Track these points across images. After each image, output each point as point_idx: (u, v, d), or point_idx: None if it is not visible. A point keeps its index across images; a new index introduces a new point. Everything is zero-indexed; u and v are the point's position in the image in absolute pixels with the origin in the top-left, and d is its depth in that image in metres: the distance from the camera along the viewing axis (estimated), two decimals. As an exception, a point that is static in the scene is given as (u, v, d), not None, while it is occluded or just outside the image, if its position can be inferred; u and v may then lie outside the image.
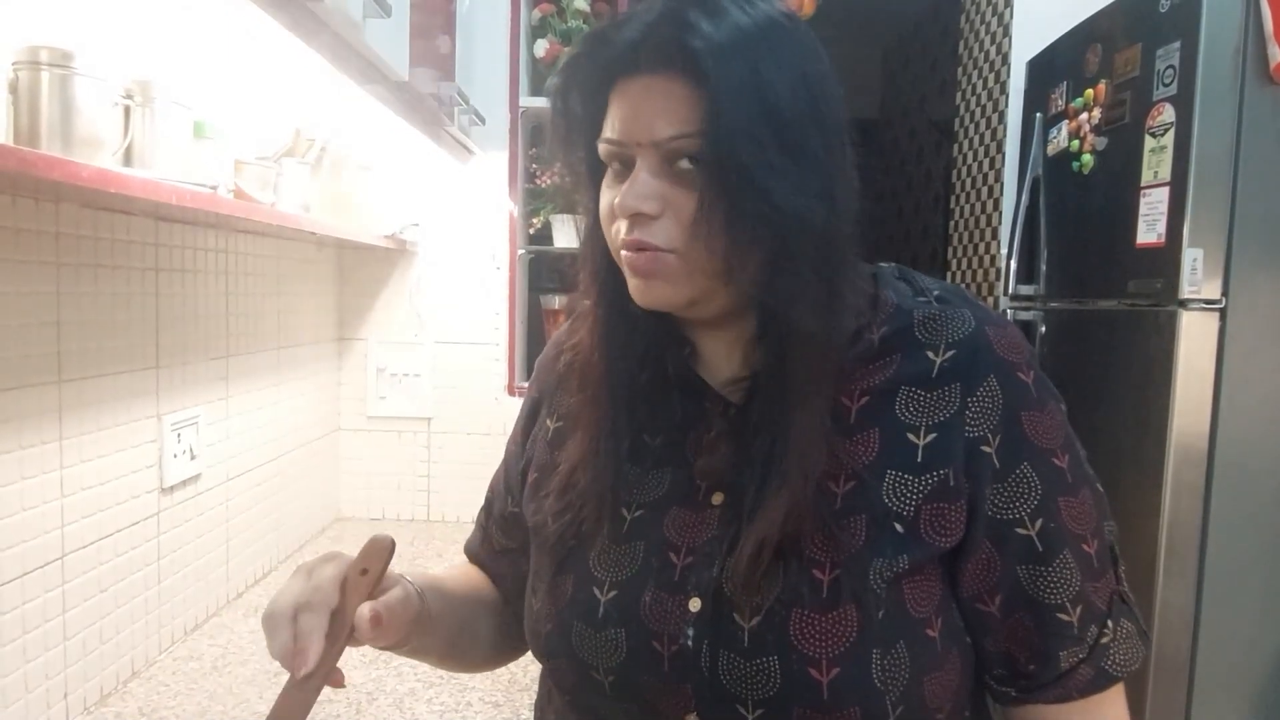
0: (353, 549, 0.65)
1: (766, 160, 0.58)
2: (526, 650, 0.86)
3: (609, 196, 0.64)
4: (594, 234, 0.68)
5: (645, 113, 0.60)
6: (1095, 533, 0.64)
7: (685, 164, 0.60)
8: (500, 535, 0.83)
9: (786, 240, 0.59)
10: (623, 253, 0.63)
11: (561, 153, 0.69)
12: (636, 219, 0.61)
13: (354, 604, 0.61)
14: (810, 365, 0.61)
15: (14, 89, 0.90)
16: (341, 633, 0.60)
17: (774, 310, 0.61)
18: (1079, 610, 0.62)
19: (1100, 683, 0.64)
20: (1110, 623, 0.64)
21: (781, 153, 0.58)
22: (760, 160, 0.58)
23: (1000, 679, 0.66)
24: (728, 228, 0.59)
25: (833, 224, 0.61)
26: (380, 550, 0.63)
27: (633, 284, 0.64)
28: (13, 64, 0.90)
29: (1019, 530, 0.62)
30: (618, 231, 0.63)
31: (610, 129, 0.63)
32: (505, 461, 0.84)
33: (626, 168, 0.63)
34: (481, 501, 0.88)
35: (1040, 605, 0.62)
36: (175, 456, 1.33)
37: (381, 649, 0.67)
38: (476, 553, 0.87)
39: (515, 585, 0.83)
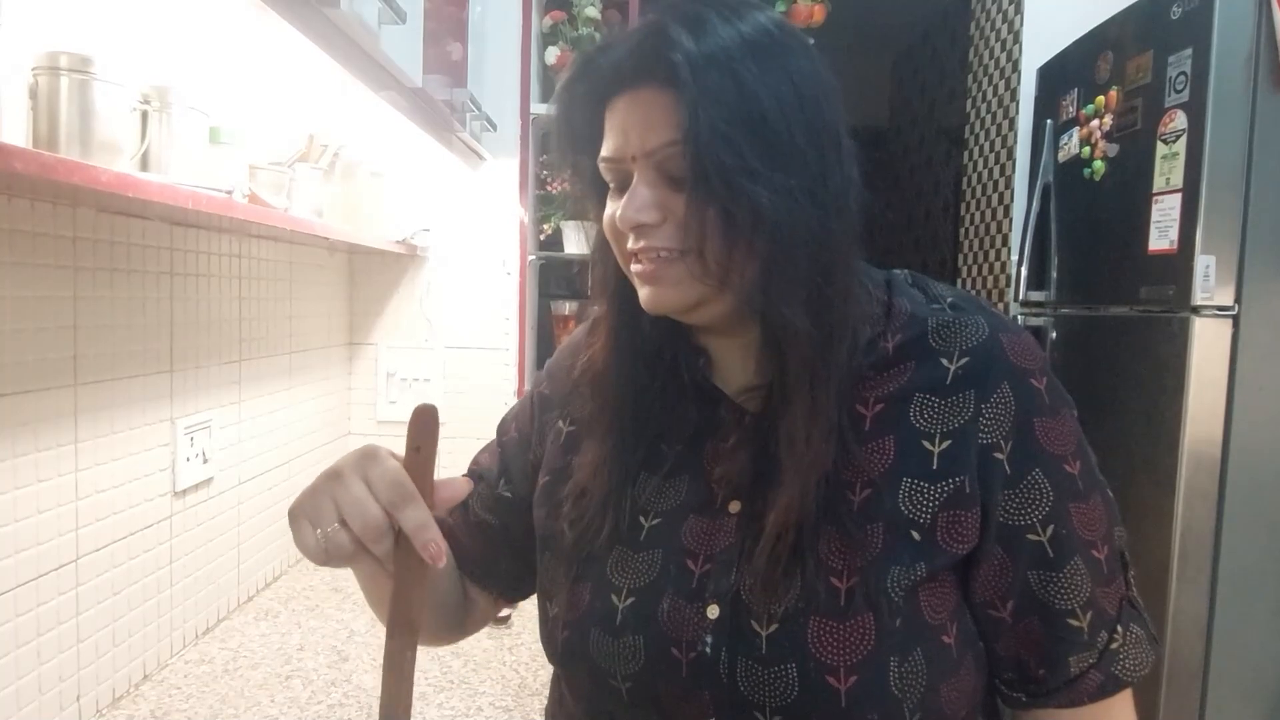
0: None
1: (745, 164, 0.58)
2: (468, 635, 0.85)
3: (610, 213, 0.65)
4: (602, 244, 0.70)
5: (635, 126, 0.62)
6: (1105, 538, 0.64)
7: (677, 171, 0.61)
8: (481, 508, 0.81)
9: (777, 242, 0.60)
10: (631, 265, 0.65)
11: (569, 170, 0.71)
12: (640, 229, 0.63)
13: (425, 487, 0.58)
14: (809, 367, 0.61)
15: (34, 94, 0.91)
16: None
17: (768, 312, 0.61)
18: (1089, 616, 0.63)
19: (1110, 688, 0.64)
20: (1120, 628, 0.64)
21: (764, 157, 0.59)
22: (739, 164, 0.58)
23: (1011, 683, 0.66)
24: (718, 230, 0.60)
25: (827, 226, 0.61)
26: (428, 422, 0.59)
27: (642, 293, 0.65)
28: (33, 69, 0.91)
29: (1030, 536, 0.62)
30: (623, 245, 0.65)
31: (606, 147, 0.65)
32: (501, 444, 0.83)
33: (626, 182, 0.64)
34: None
35: (1051, 610, 0.62)
36: (188, 460, 1.34)
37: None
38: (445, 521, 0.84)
39: (484, 562, 0.81)
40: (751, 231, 0.59)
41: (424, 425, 0.59)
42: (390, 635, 0.57)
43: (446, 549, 0.57)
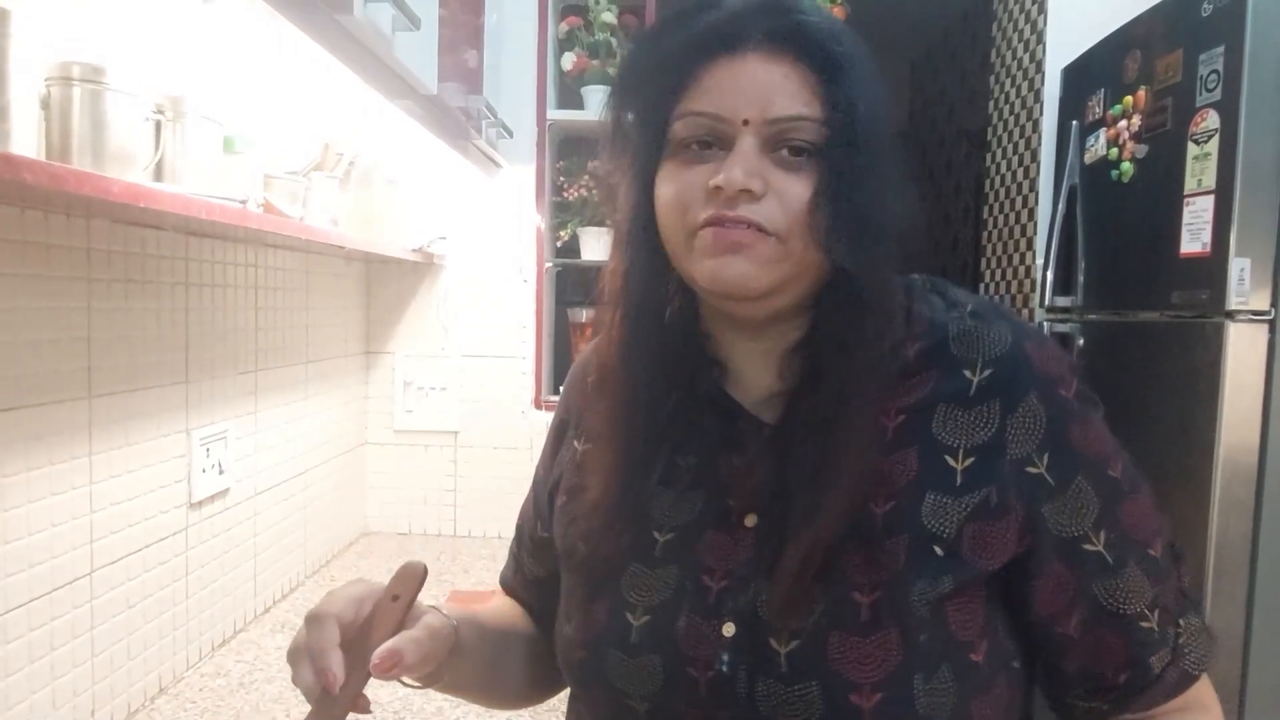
0: (379, 564, 0.63)
1: (885, 155, 0.59)
2: (564, 685, 0.84)
3: (683, 179, 0.60)
4: (634, 235, 0.65)
5: (756, 90, 0.59)
6: (1156, 533, 0.64)
7: (788, 150, 0.59)
8: (532, 562, 0.81)
9: (883, 237, 0.59)
10: (703, 231, 0.59)
11: (613, 131, 0.65)
12: (739, 196, 0.58)
13: (383, 633, 0.59)
14: (868, 373, 0.60)
15: (46, 104, 0.91)
16: (368, 660, 0.58)
17: (843, 310, 0.60)
18: (1157, 614, 0.62)
19: (1184, 684, 0.64)
20: (1182, 621, 0.64)
21: (890, 149, 0.60)
22: (880, 155, 0.59)
23: (1086, 695, 0.64)
24: (838, 218, 0.58)
25: (899, 238, 0.61)
26: (412, 576, 0.62)
27: (708, 264, 0.59)
28: (45, 79, 0.91)
29: (1086, 546, 0.61)
30: (697, 212, 0.60)
31: (705, 102, 0.60)
32: (534, 486, 0.82)
33: (713, 146, 0.60)
34: (509, 517, 0.86)
35: (1123, 617, 0.62)
36: (204, 471, 1.33)
37: (415, 687, 0.65)
38: (510, 584, 0.85)
39: (549, 615, 0.80)
40: (868, 223, 0.58)
41: (409, 578, 0.62)
42: None
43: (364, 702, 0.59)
